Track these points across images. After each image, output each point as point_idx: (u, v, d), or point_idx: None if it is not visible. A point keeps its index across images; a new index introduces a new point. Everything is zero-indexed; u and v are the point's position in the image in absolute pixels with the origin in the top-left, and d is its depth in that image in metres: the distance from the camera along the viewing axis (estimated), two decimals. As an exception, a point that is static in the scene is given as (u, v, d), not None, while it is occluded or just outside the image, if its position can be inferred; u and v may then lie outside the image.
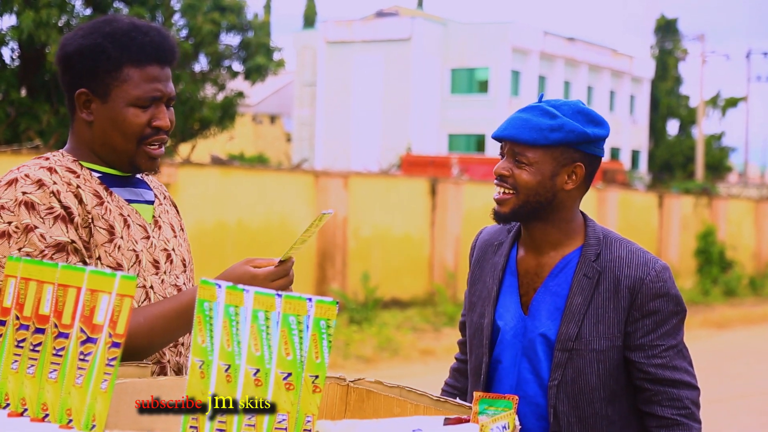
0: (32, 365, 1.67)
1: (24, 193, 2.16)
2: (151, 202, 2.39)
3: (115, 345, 1.57)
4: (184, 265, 2.41)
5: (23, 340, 1.70)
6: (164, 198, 2.46)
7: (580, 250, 2.45)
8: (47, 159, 2.27)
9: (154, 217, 2.37)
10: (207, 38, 17.68)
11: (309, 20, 50.72)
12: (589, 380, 2.40)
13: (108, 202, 2.26)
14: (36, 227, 2.13)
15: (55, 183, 2.19)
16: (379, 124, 41.05)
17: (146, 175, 2.44)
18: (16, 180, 2.18)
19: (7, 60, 16.65)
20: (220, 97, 19.24)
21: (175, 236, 2.41)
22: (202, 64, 18.85)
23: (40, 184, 2.17)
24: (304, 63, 43.95)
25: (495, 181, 2.45)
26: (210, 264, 12.27)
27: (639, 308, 2.39)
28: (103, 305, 1.60)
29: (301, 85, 44.20)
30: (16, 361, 1.70)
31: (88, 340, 1.60)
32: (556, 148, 2.38)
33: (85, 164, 2.29)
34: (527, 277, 2.49)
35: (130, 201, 2.32)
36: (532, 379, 2.44)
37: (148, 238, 2.31)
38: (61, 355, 1.63)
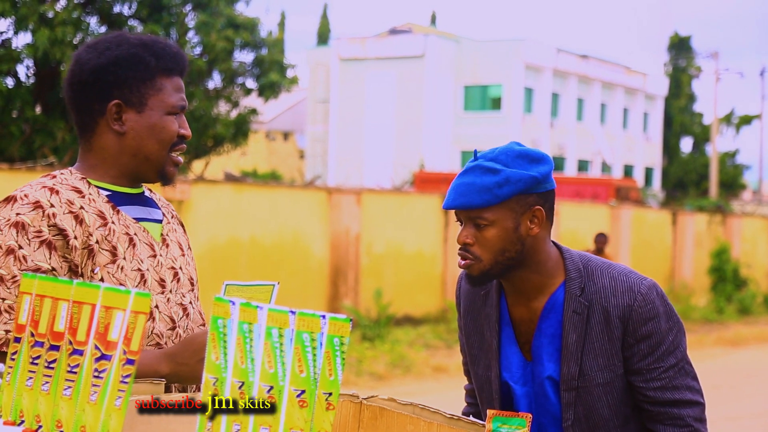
0: (47, 382, 1.68)
1: (18, 213, 2.16)
2: (160, 221, 2.38)
3: (130, 362, 1.57)
4: (192, 284, 2.41)
5: (38, 357, 1.70)
6: (172, 217, 2.45)
7: (563, 286, 2.43)
8: (53, 177, 2.26)
9: (162, 235, 2.36)
10: (221, 55, 17.75)
11: (322, 37, 50.89)
12: (602, 414, 2.41)
13: (113, 222, 2.25)
14: (20, 247, 2.13)
15: (52, 205, 2.18)
16: (392, 141, 41.09)
17: (153, 192, 2.45)
18: (14, 199, 2.18)
19: (23, 77, 16.76)
20: (234, 114, 19.30)
21: (183, 255, 2.41)
22: (215, 81, 18.94)
23: (36, 205, 2.17)
24: (317, 80, 44.05)
25: (458, 250, 2.42)
26: (223, 281, 12.26)
27: (632, 334, 2.38)
28: (117, 322, 1.60)
29: (315, 102, 44.29)
30: (30, 377, 1.70)
31: (103, 357, 1.60)
32: (509, 201, 2.35)
33: (93, 182, 2.28)
34: (523, 324, 2.47)
35: (139, 219, 2.32)
36: (550, 422, 2.45)
37: (155, 256, 2.31)
38: (75, 372, 1.64)
